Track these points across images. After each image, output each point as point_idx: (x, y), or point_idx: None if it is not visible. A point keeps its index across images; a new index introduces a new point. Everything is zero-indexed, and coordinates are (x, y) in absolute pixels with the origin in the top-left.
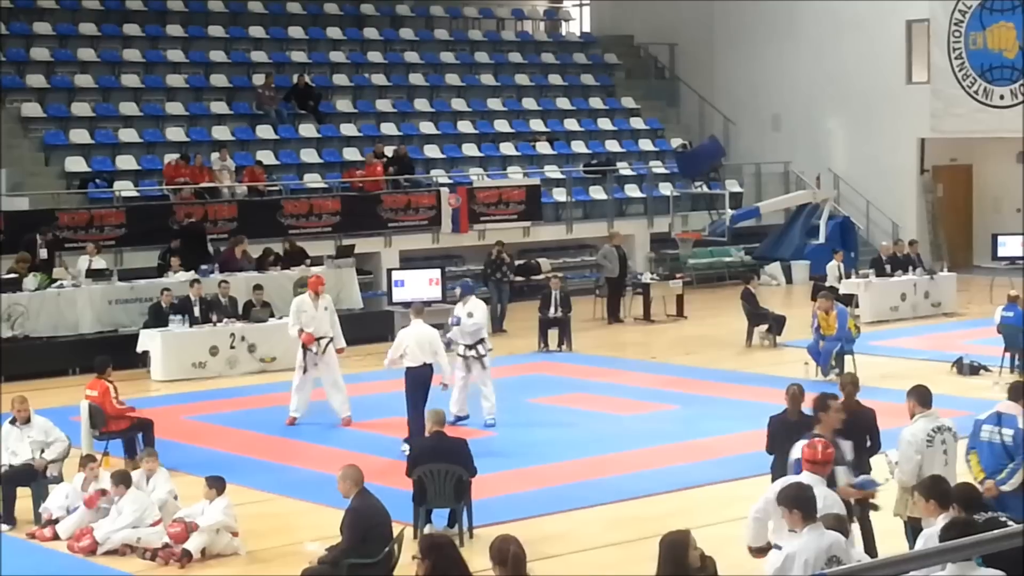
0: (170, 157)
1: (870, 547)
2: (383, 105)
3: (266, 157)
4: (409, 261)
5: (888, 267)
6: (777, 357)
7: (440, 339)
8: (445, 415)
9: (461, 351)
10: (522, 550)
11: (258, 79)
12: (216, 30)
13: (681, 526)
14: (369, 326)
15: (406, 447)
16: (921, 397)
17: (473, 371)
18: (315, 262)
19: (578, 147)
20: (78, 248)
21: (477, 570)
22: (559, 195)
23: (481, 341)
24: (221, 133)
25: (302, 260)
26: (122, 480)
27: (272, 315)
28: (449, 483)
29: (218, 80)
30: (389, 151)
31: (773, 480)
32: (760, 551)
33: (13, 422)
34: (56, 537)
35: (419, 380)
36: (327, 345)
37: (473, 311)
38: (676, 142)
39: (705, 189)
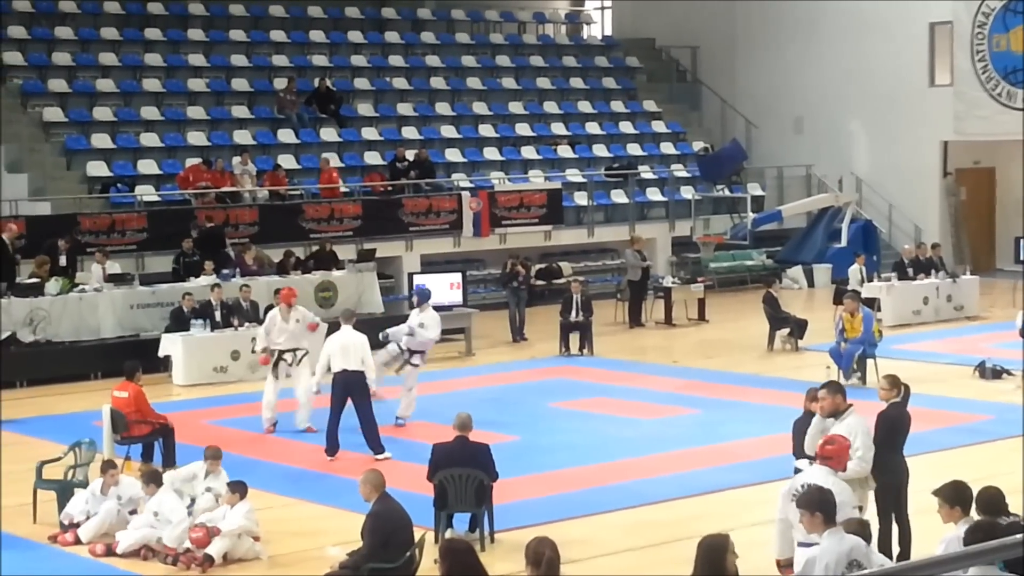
0: (190, 161)
1: (905, 545)
2: (404, 109)
3: (287, 161)
4: (430, 265)
5: (910, 270)
6: (799, 361)
7: (368, 347)
8: (471, 420)
9: (403, 348)
10: (557, 555)
11: (279, 83)
12: (237, 34)
13: (702, 531)
14: None
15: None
16: (844, 392)
17: (403, 370)
18: (337, 267)
19: (599, 151)
20: (99, 253)
21: (497, 575)
22: (580, 199)
23: (422, 353)
24: (242, 137)
25: (331, 264)
26: (152, 479)
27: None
28: (470, 487)
29: (239, 84)
30: (410, 155)
31: None
32: (787, 567)
33: None
34: (78, 541)
35: (340, 386)
36: (302, 357)
37: (425, 322)
38: (698, 145)
39: (727, 192)
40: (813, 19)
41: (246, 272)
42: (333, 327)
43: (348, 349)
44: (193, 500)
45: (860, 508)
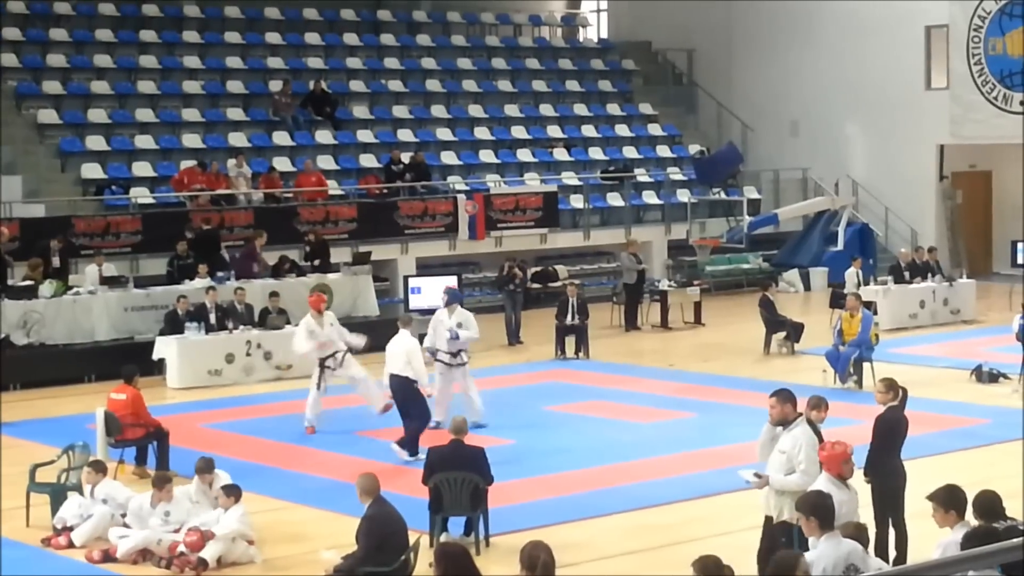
0: (185, 163)
1: (902, 549)
2: (400, 111)
3: (282, 164)
4: (426, 268)
5: (907, 274)
6: (795, 364)
7: (419, 351)
8: (466, 424)
9: (447, 359)
10: (552, 558)
11: (275, 85)
12: (233, 36)
13: (699, 534)
14: (385, 333)
15: (403, 452)
16: (795, 401)
17: (456, 378)
18: (329, 267)
19: (595, 153)
20: (93, 255)
21: None
22: (576, 202)
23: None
24: (238, 139)
25: (325, 255)
26: (165, 481)
27: (288, 322)
28: (465, 491)
29: (234, 86)
30: (406, 157)
31: None
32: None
33: None
34: (71, 545)
35: (395, 389)
36: (343, 358)
37: (463, 321)
38: (694, 148)
39: (723, 196)
40: (809, 22)
41: (255, 260)
42: None
43: (395, 355)
44: None
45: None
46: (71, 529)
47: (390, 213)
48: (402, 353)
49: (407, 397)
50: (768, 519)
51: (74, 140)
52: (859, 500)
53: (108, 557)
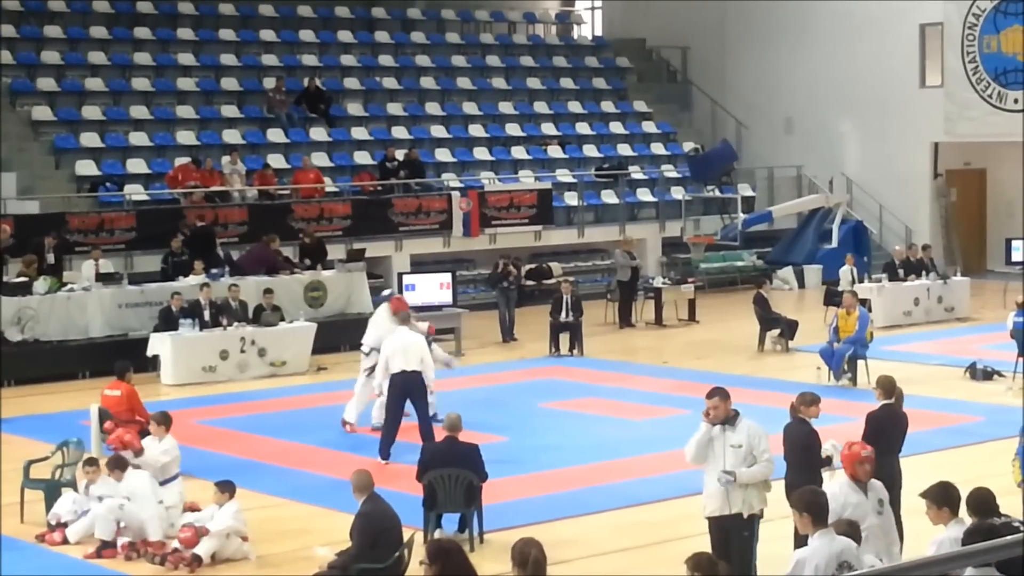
0: (179, 160)
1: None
2: (394, 109)
3: (276, 161)
4: (420, 265)
5: (901, 271)
6: (789, 362)
7: (427, 347)
8: (460, 421)
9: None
10: (543, 554)
11: (269, 83)
12: (227, 33)
13: (692, 531)
14: None
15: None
16: (731, 398)
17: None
18: (325, 266)
19: (590, 151)
20: (88, 252)
21: (486, 575)
22: (571, 199)
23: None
24: (232, 137)
25: (322, 257)
26: (117, 465)
27: (282, 319)
28: (460, 488)
29: (229, 84)
30: (400, 155)
31: (787, 493)
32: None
33: None
34: (65, 541)
35: (399, 387)
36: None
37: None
38: (688, 146)
39: (717, 193)
40: (803, 20)
41: (271, 261)
42: (322, 326)
43: (409, 350)
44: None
45: (761, 511)
46: (65, 525)
47: (384, 210)
48: (418, 349)
49: (418, 394)
50: (711, 520)
51: (68, 137)
52: (873, 508)
53: (102, 552)
